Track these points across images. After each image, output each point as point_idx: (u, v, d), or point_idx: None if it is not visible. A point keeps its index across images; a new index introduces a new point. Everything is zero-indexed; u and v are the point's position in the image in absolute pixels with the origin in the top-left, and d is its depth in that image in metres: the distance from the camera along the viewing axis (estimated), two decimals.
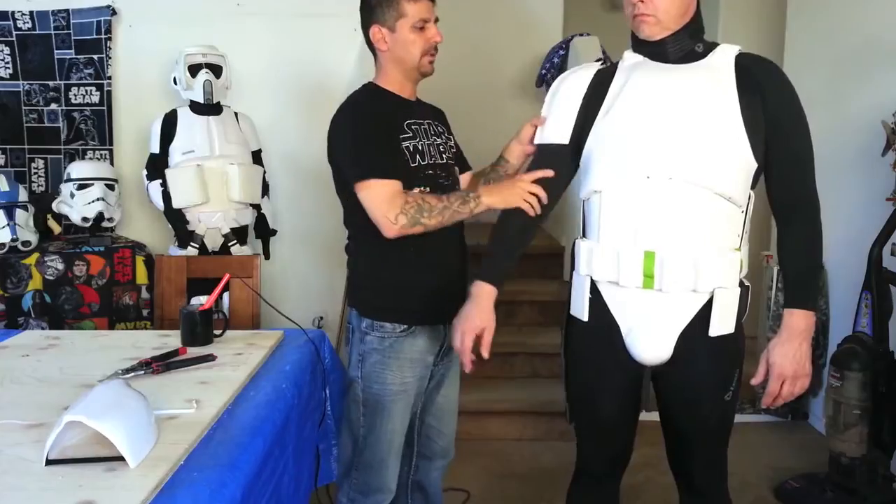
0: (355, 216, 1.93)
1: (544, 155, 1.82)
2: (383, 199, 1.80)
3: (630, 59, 1.75)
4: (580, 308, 1.75)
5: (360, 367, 1.95)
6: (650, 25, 1.64)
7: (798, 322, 1.62)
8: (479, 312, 1.73)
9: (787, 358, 1.61)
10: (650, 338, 1.66)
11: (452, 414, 2.17)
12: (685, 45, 1.67)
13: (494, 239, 1.81)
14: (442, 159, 1.99)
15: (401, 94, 1.97)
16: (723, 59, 1.67)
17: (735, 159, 1.60)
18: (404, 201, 1.79)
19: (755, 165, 1.63)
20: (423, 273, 1.94)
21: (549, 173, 1.78)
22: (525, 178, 1.79)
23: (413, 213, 1.79)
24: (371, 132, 1.87)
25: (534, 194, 1.77)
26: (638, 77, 1.69)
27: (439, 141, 1.99)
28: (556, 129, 1.79)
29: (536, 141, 1.85)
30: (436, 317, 1.94)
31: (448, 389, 2.12)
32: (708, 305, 1.63)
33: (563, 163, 1.79)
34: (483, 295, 1.74)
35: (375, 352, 1.93)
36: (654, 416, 1.80)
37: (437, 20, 1.94)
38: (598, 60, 1.86)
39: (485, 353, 1.71)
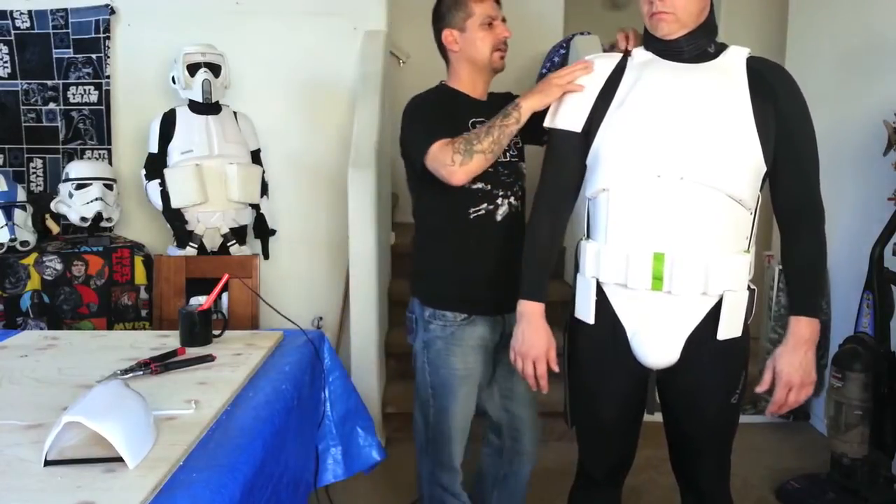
0: (418, 209, 2.10)
1: (556, 139, 1.77)
2: (437, 154, 1.86)
3: (640, 56, 1.71)
4: (585, 311, 1.73)
5: (426, 354, 2.07)
6: (669, 23, 1.61)
7: (804, 330, 1.61)
8: (538, 335, 1.75)
9: (793, 366, 1.60)
10: (658, 341, 1.64)
11: (532, 402, 2.21)
12: (700, 45, 1.65)
13: (527, 252, 1.79)
14: (505, 157, 2.01)
15: (471, 94, 2.05)
16: (734, 61, 1.65)
17: (746, 161, 1.58)
18: (453, 144, 1.84)
19: (765, 168, 1.61)
20: (482, 263, 2.00)
21: (591, 67, 1.74)
22: (558, 73, 1.77)
23: (464, 147, 1.82)
24: (429, 113, 1.97)
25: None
26: (650, 75, 1.66)
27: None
28: (570, 115, 1.73)
29: (547, 124, 1.79)
30: (494, 307, 2.02)
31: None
32: (716, 308, 1.62)
33: (574, 150, 1.73)
34: (534, 314, 1.76)
35: (439, 339, 2.03)
36: (657, 416, 1.79)
37: (504, 20, 2.05)
38: (611, 48, 1.83)
39: (555, 368, 1.76)
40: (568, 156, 1.75)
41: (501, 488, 2.26)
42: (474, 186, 1.96)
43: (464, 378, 2.05)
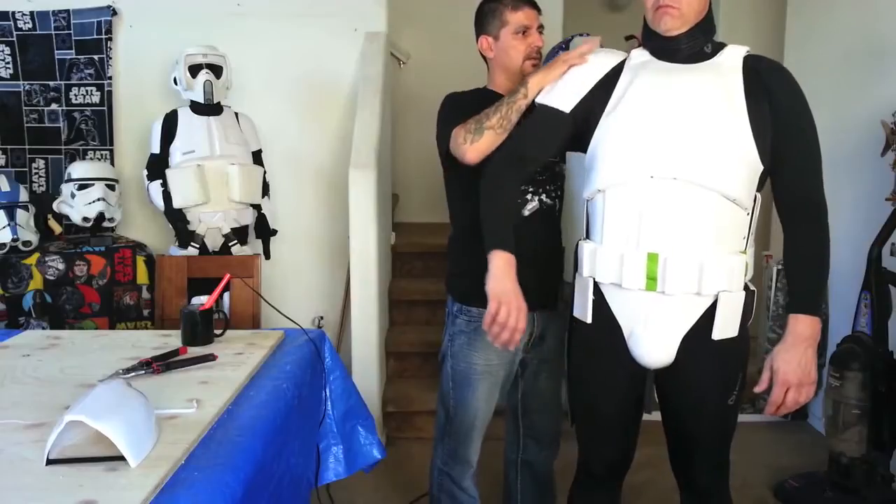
0: (450, 207, 2.16)
1: (541, 115, 1.77)
2: (453, 139, 1.93)
3: (636, 58, 1.72)
4: (583, 310, 1.74)
5: (450, 347, 2.14)
6: (673, 18, 1.61)
7: (803, 328, 1.58)
8: (516, 288, 1.63)
9: (791, 365, 1.57)
10: (653, 341, 1.65)
11: (555, 404, 2.25)
12: (698, 43, 1.66)
13: (488, 201, 1.74)
14: None
15: None
16: (730, 61, 1.65)
17: (741, 161, 1.58)
18: (465, 125, 1.91)
19: (761, 168, 1.61)
20: None
21: (597, 43, 1.77)
22: (566, 53, 1.82)
23: (473, 126, 1.88)
24: (458, 108, 2.02)
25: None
26: (644, 76, 1.66)
27: None
28: (562, 95, 1.74)
29: (538, 100, 1.79)
30: None
31: (549, 379, 2.20)
32: (712, 308, 1.62)
33: (557, 127, 1.74)
34: (508, 265, 1.65)
35: (463, 334, 2.10)
36: (656, 415, 1.80)
37: (542, 28, 2.07)
38: (629, 39, 1.85)
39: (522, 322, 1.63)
40: (544, 125, 1.76)
41: (524, 475, 2.31)
42: None
43: (484, 374, 2.10)
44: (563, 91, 1.76)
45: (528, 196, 2.03)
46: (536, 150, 1.79)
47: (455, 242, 2.18)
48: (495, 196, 1.75)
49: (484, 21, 2.09)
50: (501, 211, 1.75)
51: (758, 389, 1.64)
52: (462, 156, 1.90)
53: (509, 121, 1.85)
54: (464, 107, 2.03)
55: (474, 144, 1.87)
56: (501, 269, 1.65)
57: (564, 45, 4.32)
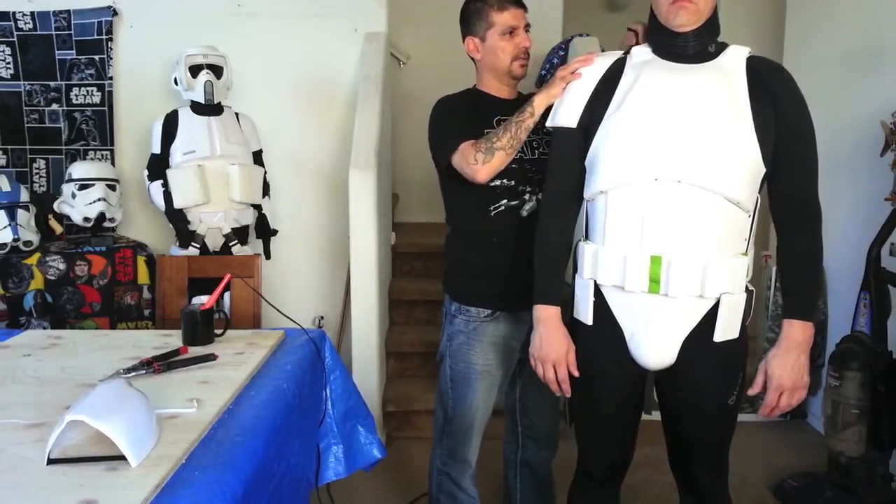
0: (446, 208, 2.17)
1: (557, 137, 1.79)
2: (462, 156, 1.94)
3: (639, 55, 1.71)
4: (584, 312, 1.74)
5: (449, 347, 2.14)
6: (689, 13, 1.59)
7: (797, 334, 1.61)
8: (556, 338, 1.74)
9: (785, 370, 1.60)
10: (655, 342, 1.65)
11: (552, 404, 2.27)
12: (704, 42, 1.64)
13: (537, 257, 1.79)
14: (534, 154, 2.06)
15: (498, 96, 2.11)
16: (734, 61, 1.64)
17: (745, 164, 1.57)
18: (475, 144, 1.92)
19: (764, 170, 1.61)
20: (504, 259, 2.04)
21: (590, 59, 1.77)
22: (562, 68, 1.83)
23: (484, 146, 1.90)
24: (454, 114, 2.05)
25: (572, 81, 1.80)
26: (649, 75, 1.65)
27: (533, 137, 2.05)
28: (567, 112, 1.75)
29: (549, 124, 1.81)
30: (518, 303, 2.02)
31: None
32: (713, 310, 1.62)
33: (573, 148, 1.74)
34: (551, 318, 1.75)
35: (461, 333, 2.11)
36: (655, 415, 1.80)
37: (528, 27, 2.06)
38: (631, 41, 1.86)
39: (574, 373, 1.74)
40: (568, 156, 1.75)
41: (523, 476, 2.32)
42: (493, 183, 2.00)
43: (482, 374, 2.11)
44: (566, 108, 1.76)
45: (527, 196, 2.03)
46: (576, 180, 1.76)
47: (451, 242, 2.18)
48: (542, 247, 1.80)
49: (469, 22, 2.08)
50: (546, 264, 1.78)
51: (751, 392, 1.67)
52: (472, 175, 1.92)
53: (518, 140, 1.89)
54: (456, 109, 2.05)
55: (486, 165, 1.89)
56: (537, 327, 1.76)
57: (564, 46, 4.34)
